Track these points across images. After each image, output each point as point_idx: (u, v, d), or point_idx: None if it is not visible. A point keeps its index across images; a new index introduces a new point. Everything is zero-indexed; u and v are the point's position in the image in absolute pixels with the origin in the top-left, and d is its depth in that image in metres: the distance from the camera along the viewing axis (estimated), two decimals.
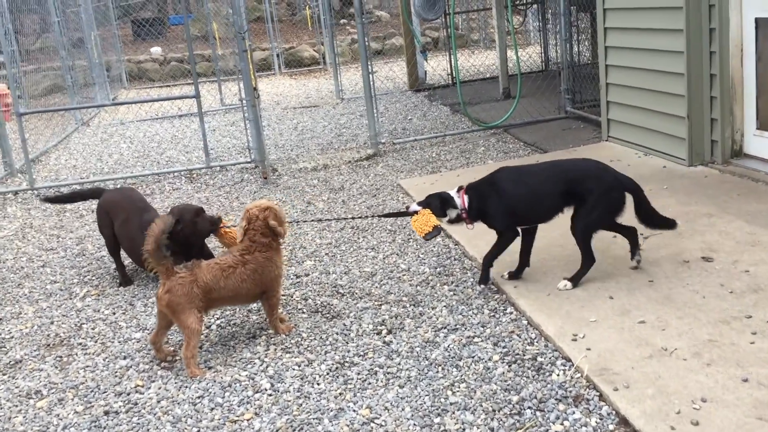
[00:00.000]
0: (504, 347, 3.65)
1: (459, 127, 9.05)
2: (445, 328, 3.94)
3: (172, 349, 3.97)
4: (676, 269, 4.20)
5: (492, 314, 4.03)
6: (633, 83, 6.78)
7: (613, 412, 3.03)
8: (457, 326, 3.93)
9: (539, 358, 3.51)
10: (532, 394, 3.22)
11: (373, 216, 5.61)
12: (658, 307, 3.78)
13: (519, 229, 4.26)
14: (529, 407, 3.13)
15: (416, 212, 4.22)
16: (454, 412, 3.17)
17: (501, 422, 3.06)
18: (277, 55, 17.98)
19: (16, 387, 3.77)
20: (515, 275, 4.31)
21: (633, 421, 2.91)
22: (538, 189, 4.10)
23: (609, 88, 7.22)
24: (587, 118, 8.43)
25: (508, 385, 3.32)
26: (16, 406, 3.59)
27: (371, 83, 8.06)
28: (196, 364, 3.71)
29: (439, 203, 4.17)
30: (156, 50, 19.30)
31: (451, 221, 4.24)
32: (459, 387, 3.37)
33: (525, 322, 3.89)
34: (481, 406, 3.19)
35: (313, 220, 5.89)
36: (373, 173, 7.39)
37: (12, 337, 4.40)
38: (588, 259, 4.10)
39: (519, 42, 14.17)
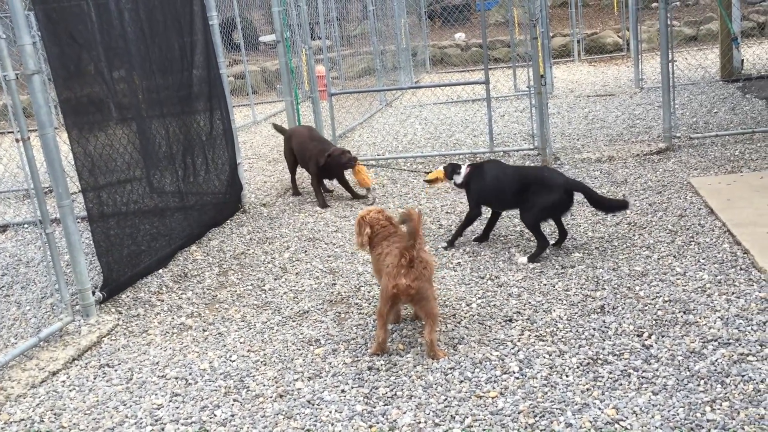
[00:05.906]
0: None
1: None
2: (715, 340, 3.64)
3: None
4: None
5: None
6: None
7: None
8: (730, 341, 3.61)
9: None
10: None
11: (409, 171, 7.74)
12: None
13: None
14: None
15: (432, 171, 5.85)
16: (710, 430, 2.95)
17: None
18: (578, 41, 17.57)
19: (301, 333, 4.33)
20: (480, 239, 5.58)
21: None
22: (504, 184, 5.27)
23: None
24: None
25: None
26: (299, 349, 4.13)
27: (670, 72, 7.56)
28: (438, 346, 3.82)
29: (451, 169, 5.58)
30: (460, 36, 20.04)
31: (456, 185, 5.59)
32: (720, 405, 3.11)
33: None
34: (743, 429, 2.93)
35: None
36: (662, 168, 6.96)
37: (304, 290, 5.03)
38: (541, 240, 5.05)
39: None
